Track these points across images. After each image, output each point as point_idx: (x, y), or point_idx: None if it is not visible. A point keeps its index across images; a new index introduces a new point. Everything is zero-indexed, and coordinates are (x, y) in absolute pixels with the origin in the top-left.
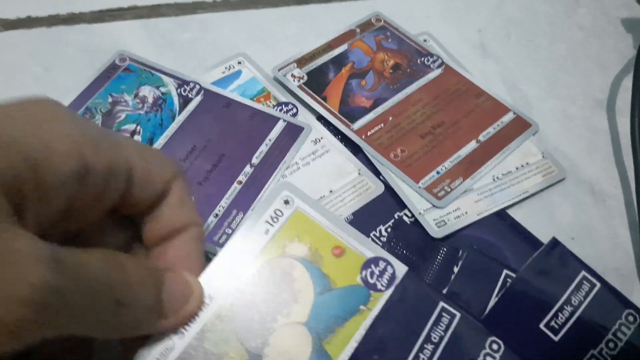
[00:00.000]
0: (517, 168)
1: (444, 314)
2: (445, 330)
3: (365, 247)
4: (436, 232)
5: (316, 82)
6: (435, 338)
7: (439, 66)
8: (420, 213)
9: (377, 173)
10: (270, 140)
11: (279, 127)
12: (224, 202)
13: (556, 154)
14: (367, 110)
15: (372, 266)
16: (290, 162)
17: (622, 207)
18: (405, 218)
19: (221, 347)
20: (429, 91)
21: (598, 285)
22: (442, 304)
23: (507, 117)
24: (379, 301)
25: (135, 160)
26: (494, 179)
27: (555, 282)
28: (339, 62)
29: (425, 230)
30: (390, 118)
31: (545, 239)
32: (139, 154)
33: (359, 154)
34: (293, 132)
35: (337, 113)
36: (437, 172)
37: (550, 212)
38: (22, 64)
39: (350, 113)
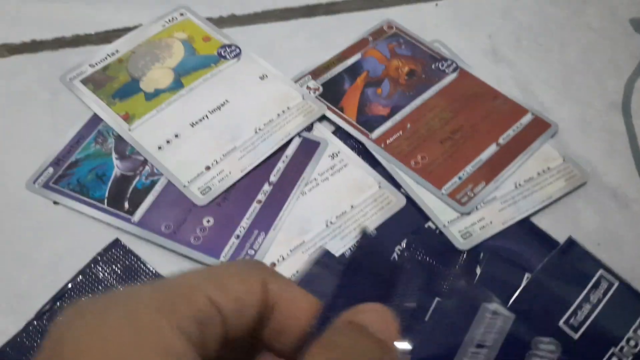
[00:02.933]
0: (538, 174)
1: None
2: None
3: (224, 37)
4: (462, 243)
5: (332, 93)
6: None
7: (453, 70)
8: (444, 225)
9: (397, 186)
10: (287, 157)
11: (295, 143)
12: (245, 222)
13: (576, 158)
14: (384, 119)
15: (226, 47)
16: (309, 178)
17: None
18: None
19: (115, 72)
20: (446, 96)
21: (616, 283)
22: None
23: (526, 119)
24: (224, 64)
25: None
26: (516, 186)
27: (572, 280)
28: (353, 71)
29: (448, 240)
30: (409, 125)
31: None
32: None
33: (378, 167)
34: (309, 148)
35: (355, 123)
36: (459, 178)
37: (575, 218)
38: (30, 90)
39: (368, 122)
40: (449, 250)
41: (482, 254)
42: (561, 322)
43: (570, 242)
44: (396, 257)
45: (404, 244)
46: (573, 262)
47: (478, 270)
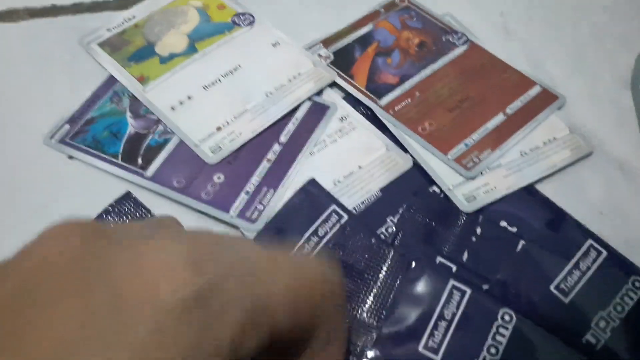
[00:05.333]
0: (544, 143)
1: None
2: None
3: (238, 6)
4: (466, 206)
5: (343, 61)
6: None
7: (463, 43)
8: (449, 189)
9: (404, 150)
10: (297, 119)
11: (305, 106)
12: (255, 179)
13: (584, 130)
14: (394, 87)
15: (240, 15)
16: (317, 139)
17: None
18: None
19: (131, 36)
20: (455, 67)
21: (604, 253)
22: None
23: (534, 91)
24: (238, 31)
25: (281, 312)
26: (521, 154)
27: (563, 249)
28: (364, 41)
29: (450, 204)
30: (417, 93)
31: (574, 213)
32: (287, 298)
33: (386, 132)
34: (319, 111)
35: (364, 90)
36: (466, 145)
37: (580, 187)
38: (50, 52)
39: (377, 90)
40: (450, 213)
41: (481, 217)
42: (552, 287)
43: (561, 213)
44: (398, 216)
45: (405, 206)
46: (564, 232)
47: (478, 231)
